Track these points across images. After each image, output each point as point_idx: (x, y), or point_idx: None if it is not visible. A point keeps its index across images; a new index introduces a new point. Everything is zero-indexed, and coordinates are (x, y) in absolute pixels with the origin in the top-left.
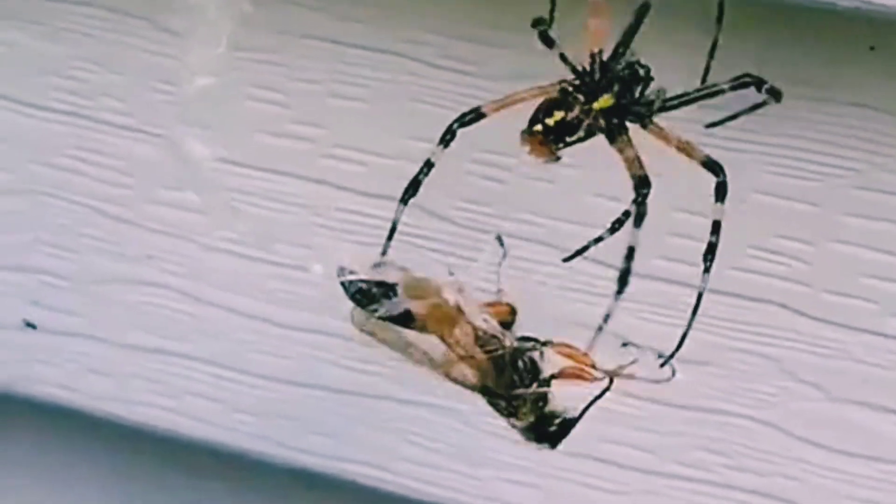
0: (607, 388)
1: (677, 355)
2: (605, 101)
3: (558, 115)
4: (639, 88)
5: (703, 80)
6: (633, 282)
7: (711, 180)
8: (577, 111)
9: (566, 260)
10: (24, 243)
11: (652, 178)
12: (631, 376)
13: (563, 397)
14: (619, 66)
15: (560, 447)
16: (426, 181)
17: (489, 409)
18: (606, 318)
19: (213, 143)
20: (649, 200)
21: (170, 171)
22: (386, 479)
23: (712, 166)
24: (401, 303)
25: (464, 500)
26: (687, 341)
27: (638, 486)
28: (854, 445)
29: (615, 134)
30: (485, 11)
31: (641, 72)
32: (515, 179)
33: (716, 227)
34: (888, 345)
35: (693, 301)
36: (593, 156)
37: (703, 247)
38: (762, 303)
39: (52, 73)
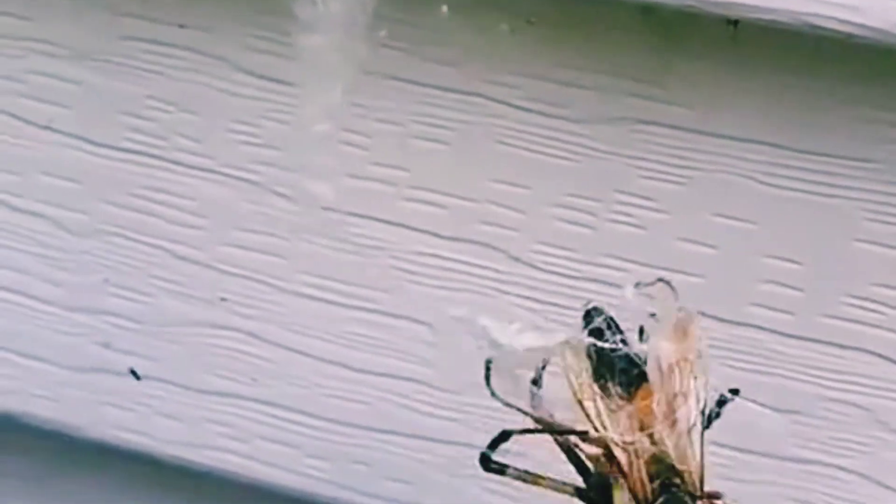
0: None
1: (768, 403)
2: None
3: None
4: None
5: None
6: (722, 327)
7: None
8: None
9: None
10: (94, 285)
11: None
12: None
13: None
14: None
15: None
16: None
17: None
18: None
19: (290, 184)
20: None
21: (243, 212)
22: None
23: None
24: None
25: None
26: (778, 391)
27: None
28: None
29: None
30: (570, 53)
31: None
32: (600, 223)
33: None
34: None
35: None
36: (682, 200)
37: (795, 294)
38: (856, 351)
39: (125, 112)
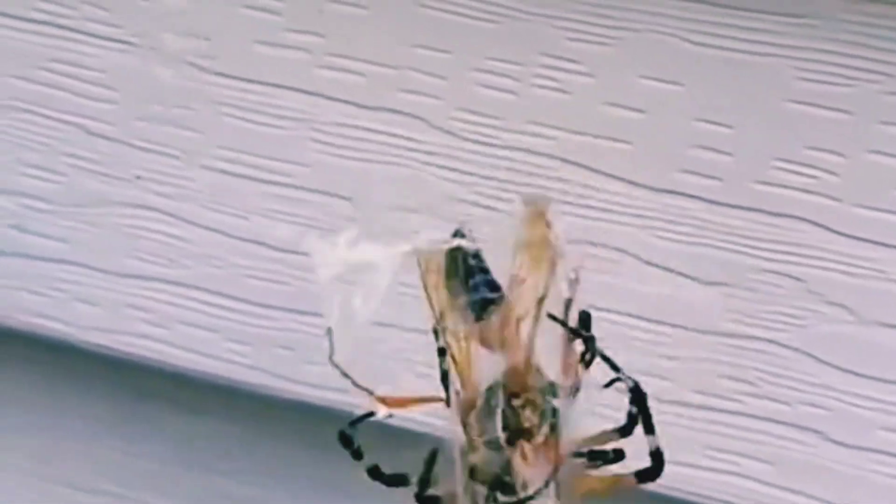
0: None
1: (697, 275)
2: None
3: None
4: None
5: None
6: (649, 196)
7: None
8: None
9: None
10: (4, 164)
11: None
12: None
13: None
14: None
15: None
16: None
17: None
18: None
19: (204, 54)
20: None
21: (158, 85)
22: None
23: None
24: None
25: None
26: (708, 262)
27: (656, 417)
28: (886, 371)
29: None
30: None
31: None
32: (524, 88)
33: None
34: None
35: None
36: (608, 62)
37: (724, 159)
38: (788, 218)
39: None
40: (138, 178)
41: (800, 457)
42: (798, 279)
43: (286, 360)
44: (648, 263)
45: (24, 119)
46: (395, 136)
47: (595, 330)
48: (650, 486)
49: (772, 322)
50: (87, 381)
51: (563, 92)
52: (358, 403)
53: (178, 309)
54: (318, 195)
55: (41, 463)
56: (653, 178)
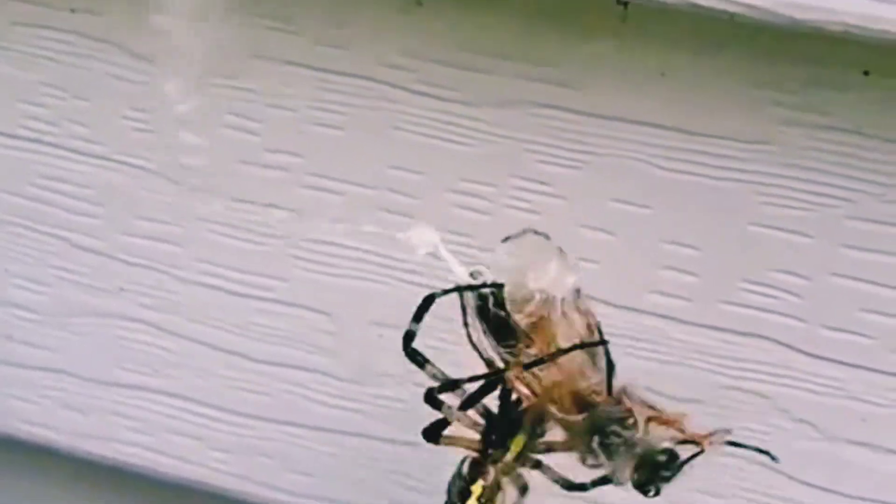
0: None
1: (668, 392)
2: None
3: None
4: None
5: None
6: (618, 314)
7: (708, 209)
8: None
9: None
10: None
11: (641, 212)
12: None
13: None
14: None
15: None
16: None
17: None
18: None
19: (185, 171)
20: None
21: (141, 200)
22: None
23: None
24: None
25: None
26: (675, 380)
27: None
28: (851, 487)
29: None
30: (465, 36)
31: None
32: (497, 209)
33: None
34: (887, 382)
35: None
36: (578, 185)
37: (691, 280)
38: (755, 338)
39: (18, 99)
40: (122, 290)
41: None
42: (765, 396)
43: (267, 468)
44: None
45: (12, 232)
46: (371, 252)
47: None
48: None
49: (739, 438)
50: (72, 487)
51: (535, 213)
52: None
53: (163, 417)
54: (297, 309)
55: None
56: (622, 297)
